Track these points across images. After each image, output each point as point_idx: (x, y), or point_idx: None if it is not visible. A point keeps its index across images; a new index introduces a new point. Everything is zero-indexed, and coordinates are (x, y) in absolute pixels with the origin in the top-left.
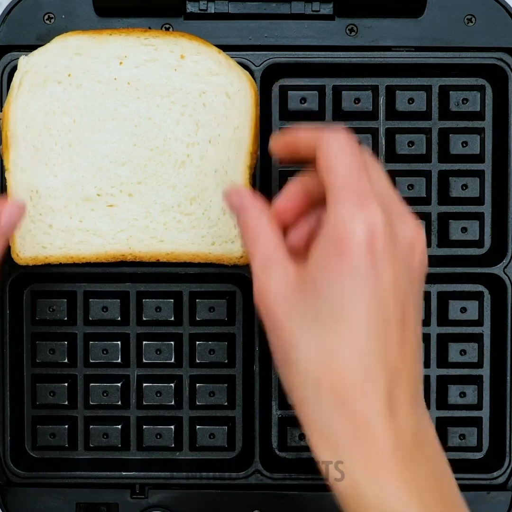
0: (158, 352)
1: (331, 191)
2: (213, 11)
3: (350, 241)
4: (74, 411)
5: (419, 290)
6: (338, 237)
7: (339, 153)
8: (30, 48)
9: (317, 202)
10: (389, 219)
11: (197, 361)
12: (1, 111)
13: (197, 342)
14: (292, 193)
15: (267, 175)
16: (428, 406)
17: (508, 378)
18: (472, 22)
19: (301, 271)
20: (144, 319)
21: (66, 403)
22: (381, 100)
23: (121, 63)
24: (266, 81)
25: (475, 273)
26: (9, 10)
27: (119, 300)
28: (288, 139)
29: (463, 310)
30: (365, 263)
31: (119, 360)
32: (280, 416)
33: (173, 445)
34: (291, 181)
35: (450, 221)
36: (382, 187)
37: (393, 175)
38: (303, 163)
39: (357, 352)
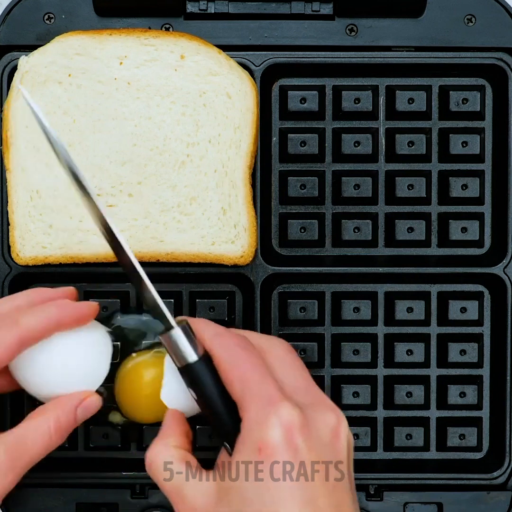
0: None
1: (238, 399)
2: (213, 11)
3: (269, 446)
4: None
5: (352, 474)
6: (257, 444)
7: (233, 358)
8: (30, 48)
9: None
10: (304, 413)
11: None
12: (1, 111)
13: None
14: None
15: (267, 175)
16: (428, 406)
17: (508, 378)
18: (472, 22)
19: (220, 483)
20: (144, 319)
21: None
22: (381, 100)
23: (121, 63)
24: (266, 81)
25: (475, 273)
26: (9, 10)
27: (119, 300)
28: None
29: (463, 310)
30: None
31: (118, 360)
32: None
33: None
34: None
35: (450, 221)
36: (293, 381)
37: (393, 175)
38: None
39: None
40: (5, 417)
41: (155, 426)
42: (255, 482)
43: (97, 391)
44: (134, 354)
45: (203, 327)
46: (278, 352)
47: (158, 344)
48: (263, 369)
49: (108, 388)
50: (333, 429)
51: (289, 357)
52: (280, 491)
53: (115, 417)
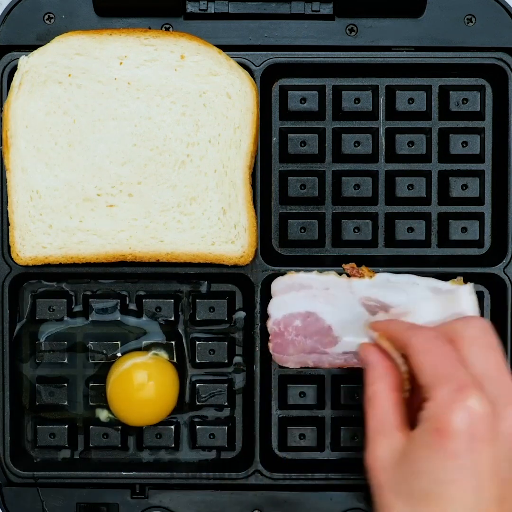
0: None
1: (426, 382)
2: (213, 11)
3: (448, 429)
4: (74, 412)
5: None
6: (437, 425)
7: (428, 347)
8: (30, 48)
9: None
10: (490, 406)
11: (197, 361)
12: (1, 111)
13: (197, 342)
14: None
15: (267, 175)
16: None
17: None
18: (472, 22)
19: (404, 446)
20: (144, 319)
21: (66, 403)
22: (381, 100)
23: (121, 63)
24: (266, 81)
25: (475, 273)
26: (9, 10)
27: (119, 300)
28: (381, 329)
29: None
30: (462, 450)
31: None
32: (280, 416)
33: (173, 445)
34: None
35: (450, 221)
36: (485, 367)
37: (393, 175)
38: None
39: None
40: (5, 421)
41: (154, 427)
42: (428, 459)
43: None
44: (127, 355)
45: (398, 322)
46: (472, 332)
47: (157, 346)
48: (453, 355)
49: (99, 387)
50: None
51: (482, 340)
52: (450, 473)
53: (102, 414)
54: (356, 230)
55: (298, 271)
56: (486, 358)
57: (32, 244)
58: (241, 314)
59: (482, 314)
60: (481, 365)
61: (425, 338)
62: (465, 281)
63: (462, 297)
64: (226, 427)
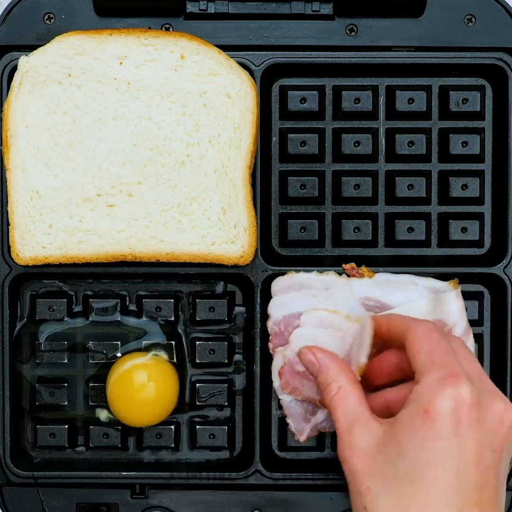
0: None
1: (420, 366)
2: (213, 11)
3: (436, 411)
4: (74, 412)
5: (505, 461)
6: (426, 406)
7: (426, 336)
8: (30, 48)
9: (405, 375)
10: (477, 395)
11: (197, 361)
12: (1, 111)
13: (197, 342)
14: (387, 358)
15: (267, 175)
16: None
17: (508, 378)
18: (472, 22)
19: (386, 431)
20: (144, 319)
21: (66, 403)
22: (381, 100)
23: (121, 63)
24: (266, 81)
25: (475, 273)
26: (9, 10)
27: (118, 300)
28: (380, 321)
29: None
30: (449, 433)
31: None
32: (280, 416)
33: (173, 445)
34: (388, 351)
35: (450, 221)
36: (470, 367)
37: (393, 175)
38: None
39: None
40: (5, 421)
41: (155, 427)
42: (414, 439)
43: None
44: (127, 355)
45: (399, 314)
46: (458, 342)
47: (157, 346)
48: (449, 347)
49: (99, 387)
50: (499, 416)
51: (467, 348)
52: (434, 454)
53: (102, 414)
54: (356, 230)
55: (298, 271)
56: (471, 360)
57: (32, 244)
58: (241, 309)
59: (482, 314)
60: (468, 365)
61: (424, 328)
62: (461, 283)
63: (449, 303)
64: (226, 427)
